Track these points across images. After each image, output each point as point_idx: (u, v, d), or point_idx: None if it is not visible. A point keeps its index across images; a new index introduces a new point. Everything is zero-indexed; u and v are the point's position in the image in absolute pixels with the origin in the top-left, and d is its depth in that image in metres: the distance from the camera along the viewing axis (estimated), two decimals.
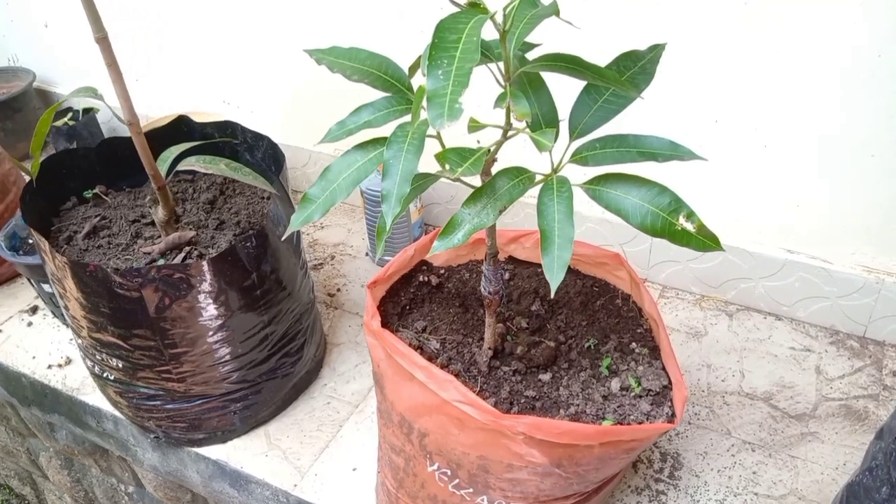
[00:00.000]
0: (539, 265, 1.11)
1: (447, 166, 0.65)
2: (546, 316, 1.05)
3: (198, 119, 1.75)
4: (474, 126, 0.67)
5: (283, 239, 0.91)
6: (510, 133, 0.69)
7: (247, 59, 1.71)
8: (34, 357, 1.44)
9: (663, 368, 0.93)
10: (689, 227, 0.68)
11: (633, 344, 0.97)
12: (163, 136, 1.27)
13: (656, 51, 0.73)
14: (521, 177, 0.70)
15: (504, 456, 0.84)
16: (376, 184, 1.48)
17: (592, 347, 0.99)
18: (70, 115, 1.96)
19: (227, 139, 1.27)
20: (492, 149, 0.71)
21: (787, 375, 1.28)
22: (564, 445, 0.82)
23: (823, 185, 1.23)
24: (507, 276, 1.10)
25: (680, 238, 0.68)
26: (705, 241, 0.68)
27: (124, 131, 2.06)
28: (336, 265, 1.61)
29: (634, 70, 0.73)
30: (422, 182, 0.74)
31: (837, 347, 1.32)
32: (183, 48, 1.79)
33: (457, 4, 0.60)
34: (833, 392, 1.24)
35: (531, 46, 0.74)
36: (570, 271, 1.09)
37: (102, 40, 0.89)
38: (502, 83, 0.66)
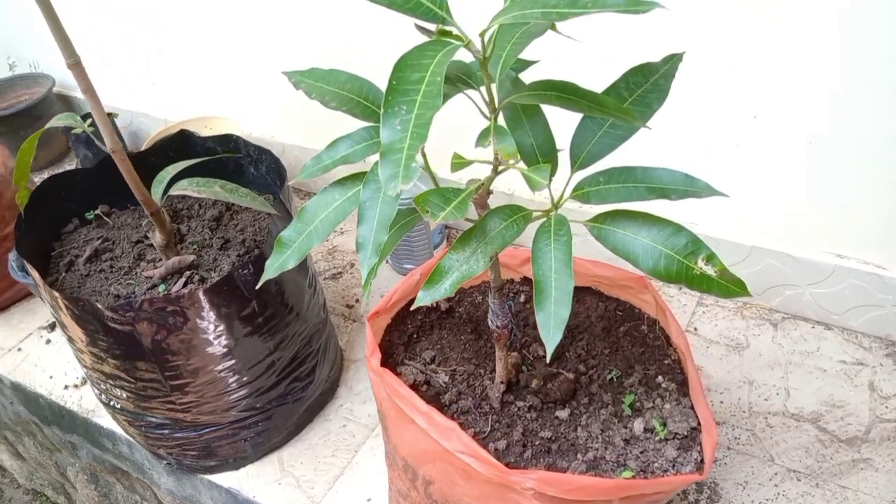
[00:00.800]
0: None
1: (428, 211, 0.57)
2: (565, 342, 0.97)
3: (214, 124, 1.70)
4: (459, 163, 0.59)
5: (257, 288, 0.85)
6: (501, 168, 0.61)
7: (252, 60, 1.64)
8: (51, 377, 1.42)
9: (692, 407, 0.84)
10: (710, 271, 0.59)
11: (660, 377, 0.89)
12: (163, 152, 1.22)
13: (672, 63, 0.64)
14: (514, 216, 0.61)
15: None
16: None
17: (615, 380, 0.90)
18: (89, 121, 1.93)
19: (230, 153, 1.21)
20: (482, 185, 0.63)
21: (837, 393, 1.17)
22: (579, 501, 0.74)
23: (875, 186, 1.11)
24: (522, 298, 1.01)
25: (699, 284, 0.59)
26: (729, 286, 0.59)
27: (146, 135, 2.03)
28: (356, 274, 1.55)
29: (646, 87, 0.63)
30: (406, 220, 0.66)
31: (894, 360, 1.21)
32: (195, 50, 1.74)
33: (425, 31, 0.51)
34: (889, 412, 1.13)
35: (526, 64, 0.65)
36: (592, 293, 1.01)
37: (75, 66, 0.83)
38: (487, 115, 0.57)
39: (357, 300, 1.49)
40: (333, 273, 1.56)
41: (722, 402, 1.18)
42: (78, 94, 2.11)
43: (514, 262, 1.00)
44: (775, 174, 1.18)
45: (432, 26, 0.51)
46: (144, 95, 1.95)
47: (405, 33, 0.61)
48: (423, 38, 0.52)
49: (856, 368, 1.20)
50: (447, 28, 0.50)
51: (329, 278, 1.54)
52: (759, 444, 1.11)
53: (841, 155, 1.11)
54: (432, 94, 0.44)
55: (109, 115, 1.95)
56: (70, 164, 2.09)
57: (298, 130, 1.69)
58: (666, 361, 0.90)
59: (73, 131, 1.92)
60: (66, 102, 2.14)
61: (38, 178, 2.04)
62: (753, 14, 1.05)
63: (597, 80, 0.62)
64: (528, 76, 0.65)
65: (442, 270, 0.61)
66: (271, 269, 0.67)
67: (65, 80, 2.10)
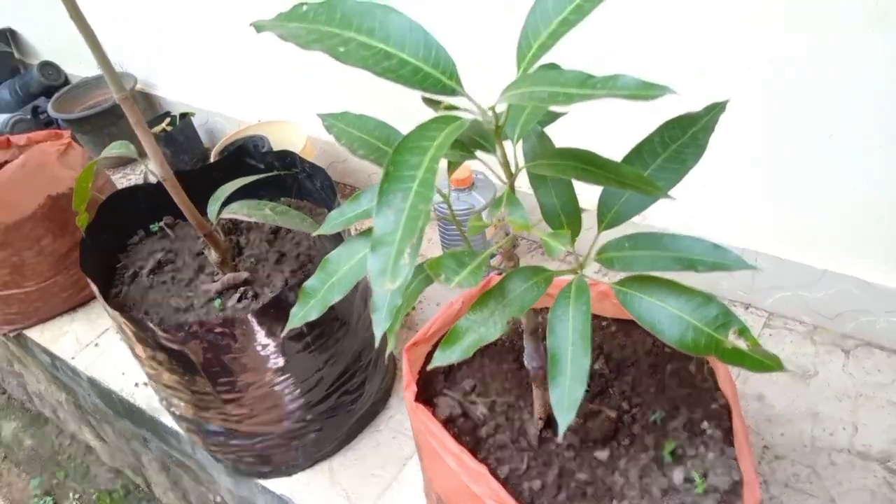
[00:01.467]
0: (601, 318, 1.00)
1: (442, 276, 0.56)
2: (610, 376, 0.94)
3: (282, 128, 1.73)
4: (476, 226, 0.57)
5: (283, 335, 0.86)
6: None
7: (316, 65, 1.66)
8: (123, 373, 1.49)
9: (736, 458, 0.81)
10: (742, 345, 0.55)
11: (705, 423, 0.85)
12: (224, 167, 1.24)
13: (713, 114, 0.60)
14: (536, 278, 0.60)
15: None
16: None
17: (658, 422, 0.87)
18: (167, 120, 2.00)
19: (287, 170, 1.23)
20: (502, 246, 0.61)
21: None
22: None
23: None
24: None
25: (730, 358, 0.56)
26: (763, 361, 0.56)
27: (221, 134, 2.09)
28: None
29: (683, 141, 0.60)
30: (422, 276, 0.65)
31: None
32: (266, 55, 1.77)
33: (432, 104, 0.50)
34: None
35: (554, 117, 0.63)
36: (641, 326, 0.97)
37: (125, 100, 0.86)
38: (504, 180, 0.55)
39: (413, 307, 1.49)
40: None
41: (783, 435, 1.13)
42: (159, 91, 2.18)
43: (554, 290, 0.97)
44: (850, 197, 1.11)
45: (444, 98, 0.50)
46: (219, 96, 2.00)
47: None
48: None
49: None
50: (455, 101, 0.49)
51: None
52: (819, 482, 1.06)
53: None
54: (428, 183, 0.43)
55: (186, 114, 2.02)
56: (149, 161, 2.17)
57: (318, 125, 1.71)
58: (713, 406, 0.87)
59: (153, 130, 2.00)
60: (148, 100, 2.22)
61: (122, 174, 2.13)
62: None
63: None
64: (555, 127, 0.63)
65: (458, 332, 0.60)
66: (295, 319, 0.67)
67: (147, 79, 2.18)
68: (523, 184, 0.61)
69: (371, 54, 0.49)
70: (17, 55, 2.65)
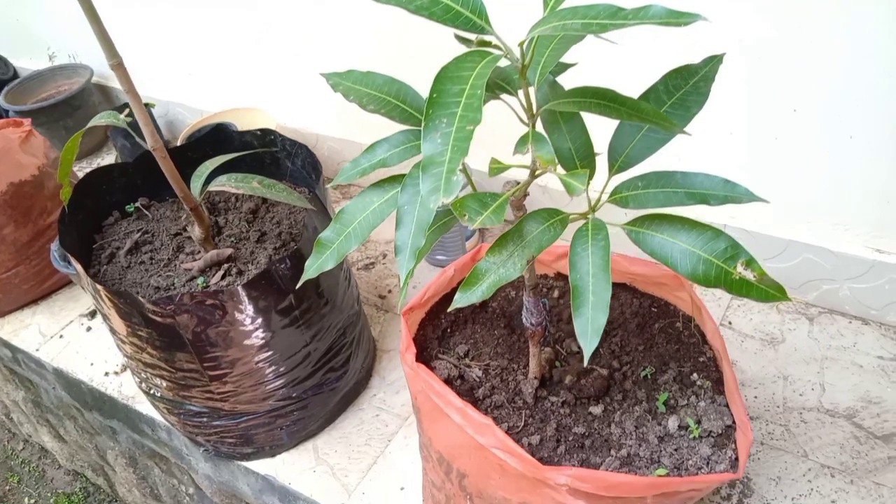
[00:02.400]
0: None
1: (466, 216, 0.58)
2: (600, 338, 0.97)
3: (249, 116, 1.72)
4: (496, 168, 0.59)
5: (297, 287, 0.86)
6: (538, 172, 0.61)
7: (285, 51, 1.65)
8: (92, 364, 1.46)
9: (727, 405, 0.84)
10: (749, 275, 0.59)
11: (695, 374, 0.89)
12: (200, 147, 1.23)
13: (712, 65, 0.63)
14: (552, 220, 0.62)
15: None
16: None
17: (649, 377, 0.90)
18: (127, 111, 1.96)
19: (267, 148, 1.23)
20: (520, 189, 0.63)
21: (873, 389, 1.16)
22: (613, 498, 0.75)
23: None
24: (556, 294, 1.02)
25: (738, 288, 0.59)
26: (768, 290, 0.59)
27: (182, 125, 2.06)
28: (388, 264, 1.56)
29: (686, 89, 0.63)
30: (443, 222, 0.66)
31: None
32: (229, 41, 1.75)
33: (465, 41, 0.52)
34: None
35: (565, 67, 0.65)
36: (627, 289, 1.01)
37: (118, 67, 0.85)
38: (525, 120, 0.58)
39: (389, 291, 1.50)
40: (366, 263, 1.57)
41: (756, 398, 1.18)
42: (116, 83, 2.14)
43: (548, 257, 1.00)
44: (814, 168, 1.17)
45: (472, 36, 0.52)
46: (180, 86, 1.97)
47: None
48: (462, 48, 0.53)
49: (893, 364, 1.19)
50: (486, 38, 0.51)
51: (362, 269, 1.56)
52: (793, 439, 1.11)
53: (882, 151, 1.09)
54: (473, 106, 0.45)
55: (146, 105, 1.98)
56: (108, 154, 2.13)
57: (332, 121, 1.70)
58: (701, 359, 0.90)
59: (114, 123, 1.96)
60: (104, 92, 2.17)
61: (77, 167, 2.08)
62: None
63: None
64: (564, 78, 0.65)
65: (479, 273, 0.62)
66: (311, 270, 0.68)
67: (103, 71, 2.13)
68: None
69: None
70: None
